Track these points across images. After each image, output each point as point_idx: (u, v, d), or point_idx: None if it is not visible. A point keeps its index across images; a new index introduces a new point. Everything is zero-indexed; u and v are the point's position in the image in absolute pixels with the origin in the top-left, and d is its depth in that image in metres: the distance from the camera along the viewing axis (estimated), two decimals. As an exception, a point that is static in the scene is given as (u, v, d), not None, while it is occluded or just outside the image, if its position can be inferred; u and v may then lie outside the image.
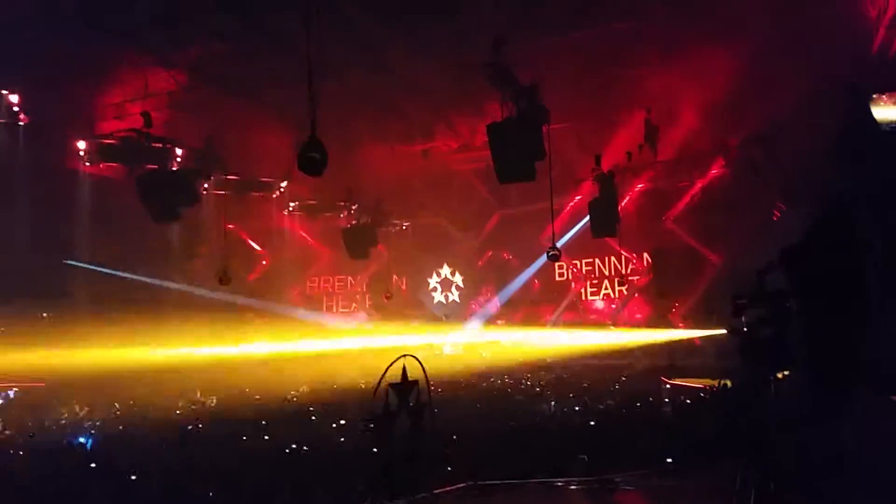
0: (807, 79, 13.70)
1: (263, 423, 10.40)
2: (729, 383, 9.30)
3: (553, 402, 11.75)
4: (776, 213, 19.17)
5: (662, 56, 16.49)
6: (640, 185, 22.44)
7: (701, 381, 12.47)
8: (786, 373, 4.56)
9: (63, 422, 12.08)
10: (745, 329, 4.80)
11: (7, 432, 11.04)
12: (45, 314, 19.67)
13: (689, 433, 7.84)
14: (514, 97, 10.94)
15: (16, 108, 15.84)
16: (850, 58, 13.03)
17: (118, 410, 13.42)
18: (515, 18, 13.37)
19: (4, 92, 15.84)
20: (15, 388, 16.35)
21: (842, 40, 13.38)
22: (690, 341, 20.84)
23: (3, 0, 12.71)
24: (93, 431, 10.91)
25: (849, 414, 3.36)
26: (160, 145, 16.35)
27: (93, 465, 7.82)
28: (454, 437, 8.16)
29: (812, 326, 3.53)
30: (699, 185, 21.79)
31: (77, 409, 13.08)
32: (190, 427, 10.54)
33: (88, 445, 9.55)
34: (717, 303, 18.20)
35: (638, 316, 23.89)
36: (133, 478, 7.06)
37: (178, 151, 17.59)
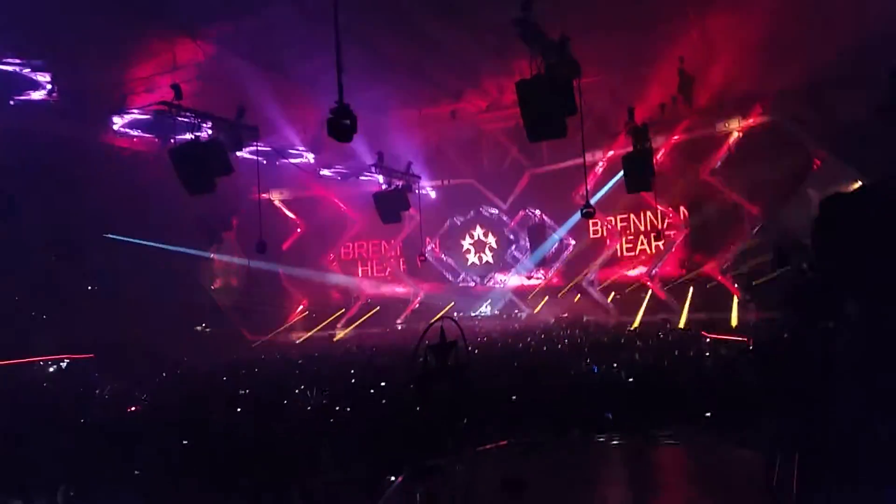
0: (855, 25, 13.08)
1: (302, 387, 10.58)
2: (772, 337, 9.14)
3: (588, 360, 11.71)
4: (816, 161, 18.60)
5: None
6: (675, 137, 21.93)
7: (742, 335, 12.30)
8: (831, 325, 4.43)
9: (113, 391, 12.47)
10: (790, 279, 4.67)
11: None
12: (90, 287, 20.24)
13: (730, 387, 7.78)
14: (544, 52, 10.60)
15: (48, 87, 16.01)
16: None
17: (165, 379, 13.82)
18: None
19: (34, 70, 15.99)
20: (66, 360, 16.95)
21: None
22: (729, 294, 20.60)
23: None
24: (144, 398, 11.26)
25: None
26: (191, 117, 16.43)
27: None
28: (493, 396, 8.21)
29: (862, 279, 3.41)
30: (737, 134, 21.22)
31: (125, 380, 13.48)
32: (241, 392, 10.79)
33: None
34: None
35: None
36: (185, 442, 7.26)
37: (209, 122, 17.67)
